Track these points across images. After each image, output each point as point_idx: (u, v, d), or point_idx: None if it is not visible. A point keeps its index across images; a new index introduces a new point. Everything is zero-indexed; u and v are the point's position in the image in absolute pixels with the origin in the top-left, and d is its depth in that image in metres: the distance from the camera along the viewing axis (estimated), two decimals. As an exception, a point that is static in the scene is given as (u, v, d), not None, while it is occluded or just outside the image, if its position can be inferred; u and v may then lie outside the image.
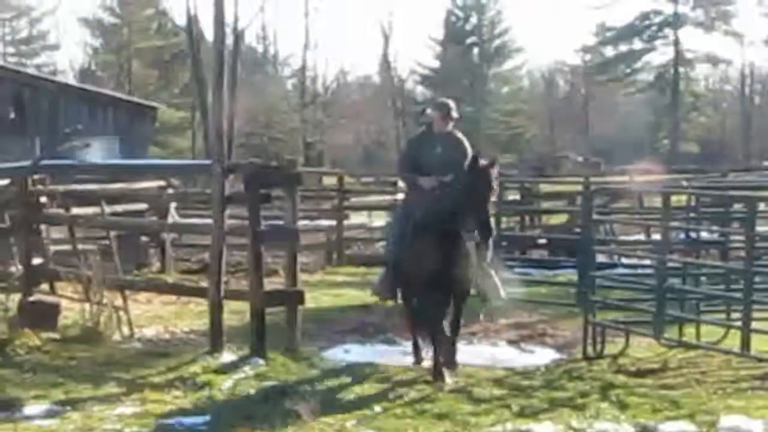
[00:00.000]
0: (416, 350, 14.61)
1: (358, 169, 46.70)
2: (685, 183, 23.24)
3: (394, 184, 34.51)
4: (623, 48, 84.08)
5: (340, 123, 74.59)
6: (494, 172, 13.13)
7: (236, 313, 15.25)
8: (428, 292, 13.44)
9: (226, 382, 13.15)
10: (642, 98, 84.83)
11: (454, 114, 13.49)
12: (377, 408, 12.22)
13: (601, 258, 18.25)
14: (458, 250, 12.94)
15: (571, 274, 19.62)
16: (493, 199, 13.32)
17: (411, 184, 13.89)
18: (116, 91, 58.39)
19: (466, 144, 13.61)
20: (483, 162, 12.99)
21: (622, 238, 24.70)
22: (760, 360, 13.74)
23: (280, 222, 16.04)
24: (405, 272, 13.58)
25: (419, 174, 13.64)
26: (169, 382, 13.16)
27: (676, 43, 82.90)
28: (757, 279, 15.45)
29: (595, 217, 18.13)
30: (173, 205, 23.96)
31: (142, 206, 23.87)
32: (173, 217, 23.26)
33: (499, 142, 78.33)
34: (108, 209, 21.11)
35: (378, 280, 14.27)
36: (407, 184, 14.07)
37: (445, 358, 13.59)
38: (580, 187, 24.73)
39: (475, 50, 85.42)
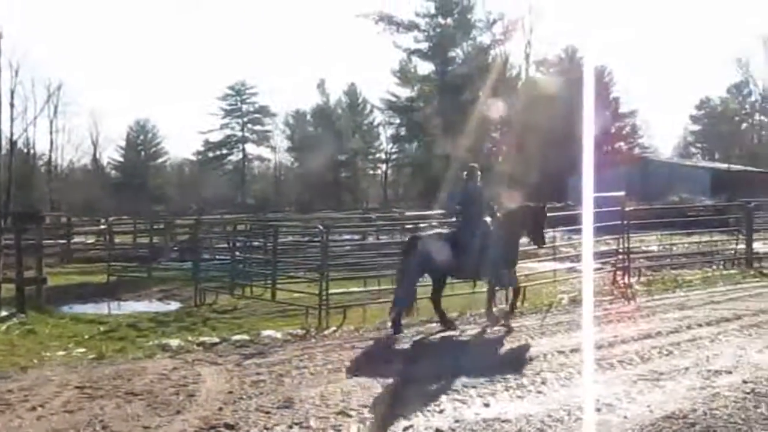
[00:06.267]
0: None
1: (80, 213, 43.94)
2: (245, 217, 23.26)
3: (98, 221, 32.51)
4: (217, 152, 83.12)
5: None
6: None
7: (9, 289, 14.00)
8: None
9: (2, 327, 12.09)
10: (228, 178, 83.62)
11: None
12: (86, 336, 11.58)
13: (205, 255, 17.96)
14: None
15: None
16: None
17: (492, 212, 11.77)
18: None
19: None
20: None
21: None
22: (282, 303, 13.90)
23: (33, 241, 14.96)
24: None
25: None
26: (-31, 328, 11.99)
27: (243, 150, 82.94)
28: (279, 265, 15.78)
29: (200, 235, 17.93)
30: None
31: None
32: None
33: (156, 195, 75.65)
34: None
35: (500, 275, 11.54)
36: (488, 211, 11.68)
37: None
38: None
39: (143, 153, 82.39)
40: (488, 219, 11.69)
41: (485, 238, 11.33)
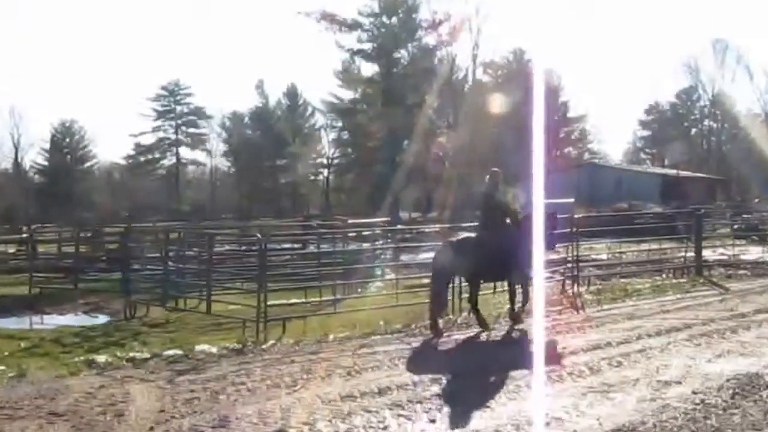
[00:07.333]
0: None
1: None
2: (178, 225, 22.99)
3: (20, 228, 31.69)
4: (149, 156, 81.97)
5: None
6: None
7: None
8: None
9: None
10: (161, 183, 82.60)
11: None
12: (6, 352, 11.38)
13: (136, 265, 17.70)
14: None
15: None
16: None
17: (515, 216, 12.40)
18: None
19: None
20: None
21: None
22: (217, 316, 13.77)
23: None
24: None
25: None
26: None
27: (177, 154, 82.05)
28: (214, 276, 15.58)
29: (131, 244, 17.68)
30: None
31: None
32: None
33: (83, 202, 74.18)
34: None
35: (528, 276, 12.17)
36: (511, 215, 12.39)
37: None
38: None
39: (69, 156, 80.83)
40: (508, 222, 12.29)
41: (510, 241, 11.88)
